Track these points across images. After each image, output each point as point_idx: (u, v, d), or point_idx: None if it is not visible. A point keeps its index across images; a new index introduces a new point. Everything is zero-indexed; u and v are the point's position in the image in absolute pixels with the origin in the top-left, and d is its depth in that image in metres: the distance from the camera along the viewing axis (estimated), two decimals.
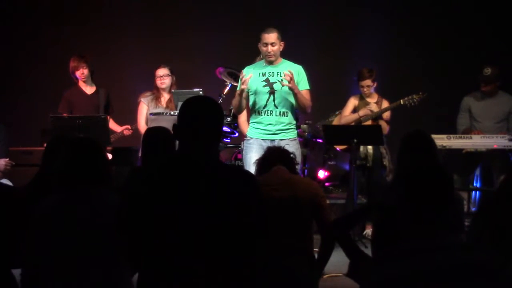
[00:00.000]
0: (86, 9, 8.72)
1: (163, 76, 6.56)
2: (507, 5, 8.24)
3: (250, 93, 5.52)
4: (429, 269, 2.04)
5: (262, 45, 5.46)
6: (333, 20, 8.63)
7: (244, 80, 5.38)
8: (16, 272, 3.10)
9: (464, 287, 2.03)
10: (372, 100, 6.61)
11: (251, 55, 6.17)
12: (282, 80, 5.37)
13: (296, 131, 5.60)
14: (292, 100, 5.45)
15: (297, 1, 8.68)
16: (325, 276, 4.77)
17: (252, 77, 5.47)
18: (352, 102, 6.69)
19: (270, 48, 5.42)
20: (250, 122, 5.62)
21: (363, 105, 6.59)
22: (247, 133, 5.65)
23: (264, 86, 5.45)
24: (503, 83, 6.66)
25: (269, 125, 5.45)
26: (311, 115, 7.18)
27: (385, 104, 6.57)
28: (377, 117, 6.49)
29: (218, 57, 7.76)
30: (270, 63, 5.49)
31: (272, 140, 5.38)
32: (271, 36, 5.41)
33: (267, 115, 5.44)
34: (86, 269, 2.84)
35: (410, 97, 6.45)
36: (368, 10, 8.53)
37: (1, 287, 2.88)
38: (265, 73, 5.49)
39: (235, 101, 5.57)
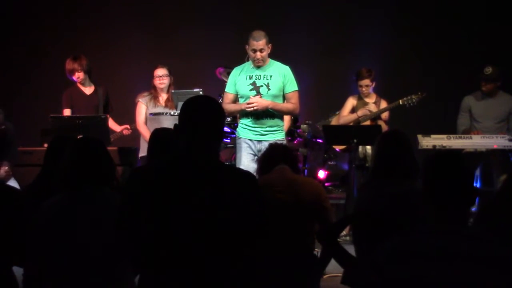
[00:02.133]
0: (86, 9, 8.71)
1: (162, 76, 6.54)
2: (507, 5, 8.24)
3: (238, 96, 5.58)
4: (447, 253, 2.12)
5: (251, 50, 5.46)
6: (334, 19, 8.62)
7: (251, 108, 5.37)
8: (18, 272, 3.10)
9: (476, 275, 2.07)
10: (370, 100, 6.61)
11: None
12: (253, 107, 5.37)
13: (283, 133, 5.62)
14: (279, 102, 5.48)
15: (297, 1, 8.68)
16: (325, 276, 4.78)
17: (239, 80, 5.52)
18: (351, 102, 6.68)
19: (258, 54, 5.42)
20: (239, 122, 5.64)
21: (362, 105, 6.58)
22: (236, 133, 5.67)
23: (250, 90, 5.48)
24: (503, 83, 6.66)
25: (256, 127, 5.47)
26: (311, 115, 7.18)
27: (383, 104, 6.57)
28: (375, 117, 6.49)
29: (218, 57, 7.75)
30: (258, 66, 5.51)
31: (259, 141, 5.41)
32: (260, 44, 5.40)
33: (255, 118, 5.46)
34: (89, 270, 2.85)
35: (409, 97, 6.45)
36: (368, 10, 8.52)
37: (2, 286, 2.88)
38: (252, 76, 5.50)
39: (231, 110, 5.59)
